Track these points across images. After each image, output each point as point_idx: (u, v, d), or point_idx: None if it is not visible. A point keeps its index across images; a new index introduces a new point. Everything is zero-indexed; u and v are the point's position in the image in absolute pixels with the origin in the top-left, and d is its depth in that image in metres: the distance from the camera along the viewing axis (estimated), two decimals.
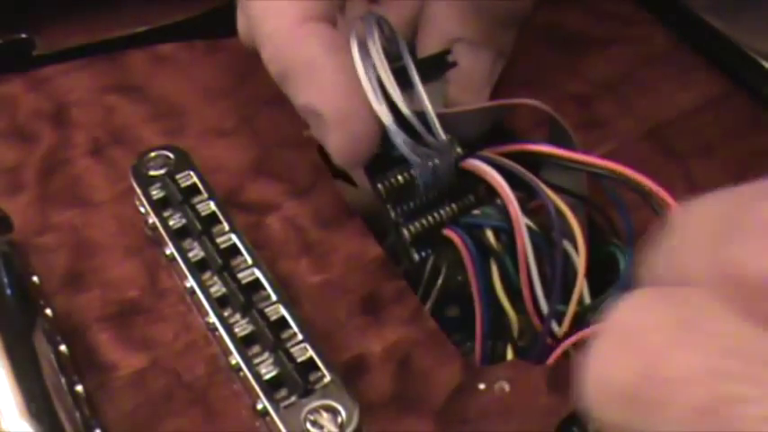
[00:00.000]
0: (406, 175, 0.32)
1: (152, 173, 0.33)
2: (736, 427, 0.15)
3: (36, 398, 0.27)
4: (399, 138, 0.31)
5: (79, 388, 0.28)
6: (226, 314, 0.30)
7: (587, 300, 0.31)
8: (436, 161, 0.31)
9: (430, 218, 0.32)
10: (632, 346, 0.17)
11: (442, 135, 0.31)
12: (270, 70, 0.32)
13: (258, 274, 0.30)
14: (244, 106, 0.38)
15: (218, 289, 0.30)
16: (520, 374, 0.30)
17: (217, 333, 0.29)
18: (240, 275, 0.30)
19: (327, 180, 0.35)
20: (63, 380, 0.28)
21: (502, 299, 0.31)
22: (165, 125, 0.37)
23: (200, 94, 0.39)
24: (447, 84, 0.34)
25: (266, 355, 0.29)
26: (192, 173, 0.33)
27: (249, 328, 0.29)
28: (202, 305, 0.30)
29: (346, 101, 0.30)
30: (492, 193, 0.32)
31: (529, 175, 0.31)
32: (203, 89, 0.39)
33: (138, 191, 0.33)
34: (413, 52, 0.33)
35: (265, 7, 0.32)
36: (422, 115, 0.31)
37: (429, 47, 0.35)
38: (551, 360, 0.30)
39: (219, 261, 0.31)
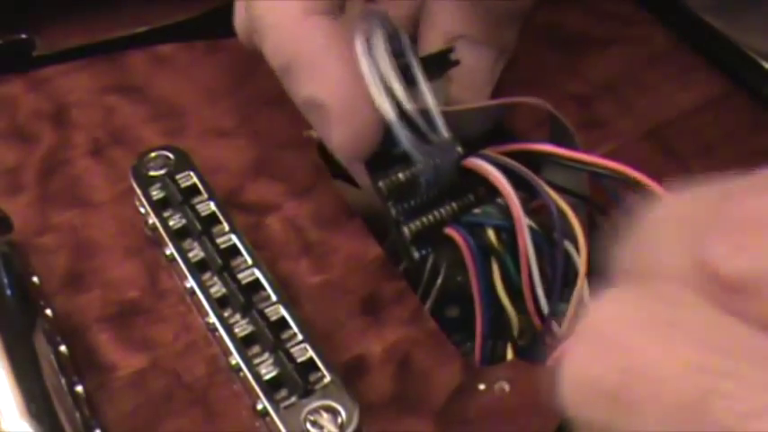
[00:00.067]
0: (407, 172, 0.32)
1: (152, 173, 0.33)
2: (720, 423, 0.15)
3: (36, 398, 0.27)
4: (403, 134, 0.30)
5: (79, 388, 0.28)
6: (226, 314, 0.30)
7: (588, 300, 0.30)
8: (438, 159, 0.31)
9: (430, 216, 0.32)
10: (609, 344, 0.16)
11: (445, 133, 0.31)
12: (272, 64, 0.32)
13: (258, 274, 0.30)
14: (244, 106, 0.38)
15: (218, 289, 0.30)
16: (520, 374, 0.30)
17: (217, 333, 0.29)
18: (240, 276, 0.30)
19: (327, 180, 0.35)
20: (63, 380, 0.28)
21: (502, 298, 0.31)
22: (165, 125, 0.37)
23: (200, 94, 0.39)
24: (448, 82, 0.34)
25: (266, 355, 0.29)
26: (192, 173, 0.33)
27: (249, 329, 0.29)
28: (202, 305, 0.30)
29: (350, 93, 0.30)
30: (492, 192, 0.32)
31: (530, 175, 0.31)
32: (203, 89, 0.39)
33: (138, 191, 0.33)
34: (415, 50, 0.33)
35: (269, 1, 0.32)
36: (424, 113, 0.31)
37: (430, 44, 0.35)
38: (551, 360, 0.30)
39: (219, 261, 0.30)
